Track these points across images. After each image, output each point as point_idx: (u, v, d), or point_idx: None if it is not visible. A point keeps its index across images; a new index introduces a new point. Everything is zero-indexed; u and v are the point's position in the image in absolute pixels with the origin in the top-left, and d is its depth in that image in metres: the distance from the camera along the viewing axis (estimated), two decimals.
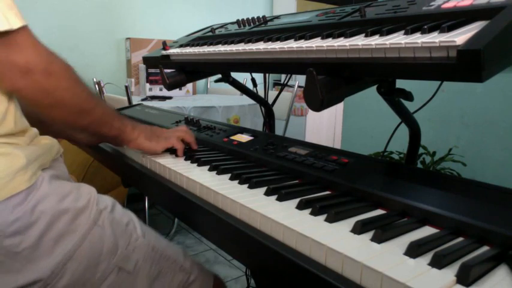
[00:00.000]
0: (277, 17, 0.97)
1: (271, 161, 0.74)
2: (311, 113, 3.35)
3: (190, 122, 1.12)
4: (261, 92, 1.27)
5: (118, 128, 0.75)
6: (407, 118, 0.77)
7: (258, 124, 2.17)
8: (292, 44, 0.68)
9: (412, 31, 0.54)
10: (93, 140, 0.89)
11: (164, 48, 1.12)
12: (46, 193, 0.59)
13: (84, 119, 0.68)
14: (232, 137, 0.91)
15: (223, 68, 1.03)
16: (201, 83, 3.08)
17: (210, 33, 1.09)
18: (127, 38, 2.67)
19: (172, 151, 0.85)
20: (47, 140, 0.68)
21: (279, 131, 1.70)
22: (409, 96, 0.66)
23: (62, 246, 0.59)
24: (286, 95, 2.28)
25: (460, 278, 0.37)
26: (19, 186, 0.56)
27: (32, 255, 0.56)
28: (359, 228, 0.46)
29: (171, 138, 0.83)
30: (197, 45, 1.01)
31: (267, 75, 1.22)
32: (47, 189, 0.59)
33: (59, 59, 0.62)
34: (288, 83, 1.34)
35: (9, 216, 0.54)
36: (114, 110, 0.78)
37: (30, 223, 0.56)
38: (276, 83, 3.56)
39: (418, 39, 0.49)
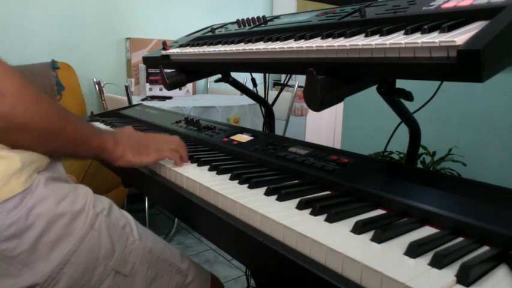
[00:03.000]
0: (277, 17, 0.97)
1: (271, 161, 0.74)
2: (311, 113, 3.35)
3: (190, 122, 1.12)
4: (261, 92, 1.27)
5: (97, 147, 0.68)
6: (407, 118, 0.77)
7: (258, 124, 2.17)
8: (292, 44, 0.68)
9: (412, 31, 0.54)
10: None
11: (164, 48, 1.12)
12: (42, 196, 0.58)
13: (52, 142, 0.61)
14: (232, 137, 0.91)
15: (223, 68, 1.03)
16: (201, 83, 3.08)
17: (210, 33, 1.09)
18: (127, 38, 2.67)
19: None
20: None
21: (279, 131, 1.70)
22: (409, 96, 0.66)
23: (59, 250, 0.58)
24: (286, 95, 2.28)
25: (460, 278, 0.37)
26: (14, 189, 0.55)
27: (28, 259, 0.56)
28: (359, 228, 0.46)
29: (164, 151, 0.77)
30: (197, 45, 1.01)
31: (267, 75, 1.21)
32: (43, 192, 0.58)
33: (14, 76, 0.54)
34: (288, 83, 1.34)
35: (5, 220, 0.53)
36: (90, 126, 0.70)
37: (26, 227, 0.55)
38: (276, 83, 3.56)
39: (418, 39, 0.49)
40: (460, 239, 0.45)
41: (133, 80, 2.64)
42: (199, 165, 0.76)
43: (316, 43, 0.64)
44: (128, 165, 0.74)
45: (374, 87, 0.67)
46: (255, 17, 0.99)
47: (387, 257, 0.41)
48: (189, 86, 2.67)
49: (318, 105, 0.58)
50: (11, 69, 0.55)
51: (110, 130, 0.75)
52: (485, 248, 0.43)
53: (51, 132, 0.60)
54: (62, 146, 0.63)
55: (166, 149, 0.77)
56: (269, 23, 0.94)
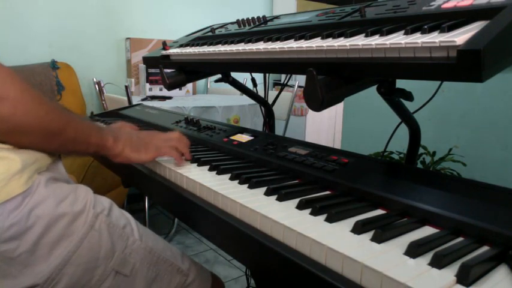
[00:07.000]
0: (277, 17, 0.97)
1: (271, 161, 0.74)
2: (311, 113, 3.35)
3: (190, 122, 1.12)
4: (261, 92, 1.27)
5: (96, 144, 0.69)
6: (407, 118, 0.77)
7: (258, 124, 2.17)
8: (292, 44, 0.68)
9: (412, 31, 0.54)
10: None
11: (164, 48, 1.12)
12: (42, 197, 0.58)
13: (53, 142, 0.62)
14: (232, 137, 0.91)
15: (223, 68, 1.03)
16: (201, 83, 3.08)
17: (210, 33, 1.09)
18: (127, 38, 2.67)
19: None
20: None
21: (279, 131, 1.70)
22: (409, 96, 0.66)
23: (59, 251, 0.58)
24: (286, 95, 2.28)
25: (460, 278, 0.37)
26: (14, 190, 0.55)
27: (28, 260, 0.56)
28: (359, 228, 0.46)
29: (162, 148, 0.78)
30: (197, 45, 1.01)
31: (267, 75, 1.22)
32: (44, 193, 0.58)
33: (14, 79, 0.55)
34: (288, 83, 1.34)
35: (5, 221, 0.53)
36: (90, 123, 0.71)
37: (26, 228, 0.55)
38: (276, 83, 3.56)
39: (418, 39, 0.49)
40: (460, 239, 0.45)
41: (133, 80, 2.64)
42: (199, 165, 0.76)
43: (316, 43, 0.64)
44: (127, 162, 0.75)
45: (374, 87, 0.67)
46: (255, 17, 0.99)
47: (387, 257, 0.41)
48: (189, 86, 2.67)
49: (318, 105, 0.58)
50: (11, 73, 0.55)
51: (109, 126, 0.75)
52: (485, 248, 0.43)
53: (52, 133, 0.61)
54: (62, 145, 0.64)
55: (165, 146, 0.78)
56: (269, 23, 0.94)
